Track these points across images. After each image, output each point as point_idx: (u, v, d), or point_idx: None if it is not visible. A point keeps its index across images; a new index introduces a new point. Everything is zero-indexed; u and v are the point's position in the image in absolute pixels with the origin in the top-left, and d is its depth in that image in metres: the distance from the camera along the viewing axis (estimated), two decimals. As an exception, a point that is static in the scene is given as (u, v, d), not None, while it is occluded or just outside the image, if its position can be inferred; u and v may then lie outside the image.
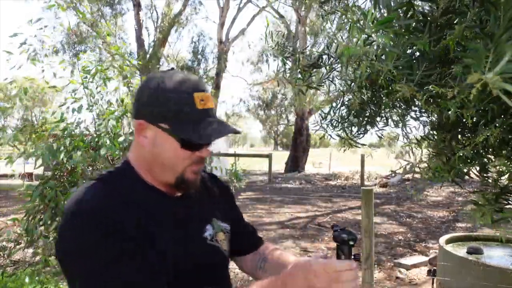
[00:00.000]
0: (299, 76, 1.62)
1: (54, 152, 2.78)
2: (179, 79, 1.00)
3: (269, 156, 15.27)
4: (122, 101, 3.19)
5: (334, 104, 1.60)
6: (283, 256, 1.25)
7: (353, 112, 1.53)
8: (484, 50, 0.59)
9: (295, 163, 18.47)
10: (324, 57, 1.58)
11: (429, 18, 1.02)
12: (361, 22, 0.85)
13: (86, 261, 0.87)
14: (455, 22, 1.03)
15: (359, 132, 1.62)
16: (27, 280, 3.12)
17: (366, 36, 0.87)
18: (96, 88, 3.18)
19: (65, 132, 2.88)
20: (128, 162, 1.08)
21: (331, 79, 1.61)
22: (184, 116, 0.98)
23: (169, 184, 1.04)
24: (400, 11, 1.01)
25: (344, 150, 1.71)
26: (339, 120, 1.58)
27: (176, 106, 0.98)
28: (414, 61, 1.00)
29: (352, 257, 0.95)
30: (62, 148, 2.84)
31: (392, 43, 1.00)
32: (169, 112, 0.98)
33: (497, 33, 0.75)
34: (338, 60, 1.53)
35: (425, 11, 1.14)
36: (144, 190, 1.03)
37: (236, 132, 1.02)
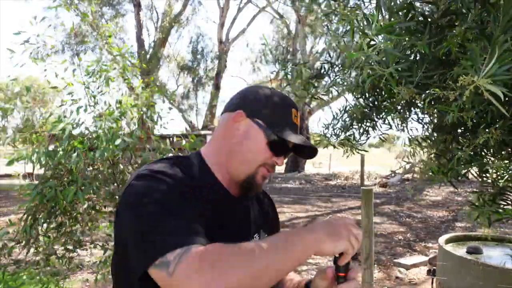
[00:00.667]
0: (302, 88, 1.62)
1: (52, 155, 2.79)
2: (284, 94, 1.14)
3: (269, 156, 15.25)
4: (120, 102, 3.19)
5: (337, 112, 1.60)
6: (291, 277, 1.24)
7: (356, 119, 1.53)
8: (479, 51, 0.59)
9: (295, 163, 18.48)
10: (327, 66, 1.58)
11: (429, 20, 1.03)
12: (364, 26, 0.86)
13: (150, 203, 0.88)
14: (455, 23, 1.04)
15: (361, 138, 1.63)
16: (25, 278, 3.13)
17: (369, 40, 0.88)
18: (98, 87, 3.18)
19: (64, 133, 2.88)
20: (200, 155, 1.12)
21: (335, 88, 1.61)
22: (280, 121, 1.07)
23: (238, 180, 1.08)
24: (401, 14, 1.01)
25: (347, 156, 1.71)
26: (342, 129, 1.59)
27: (277, 110, 1.08)
28: (414, 63, 1.01)
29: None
30: (60, 149, 2.84)
31: (393, 46, 1.01)
32: (270, 113, 1.07)
33: (495, 34, 0.75)
34: (341, 68, 1.54)
35: (426, 12, 1.14)
36: (209, 182, 1.07)
37: (315, 149, 1.11)
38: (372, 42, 0.90)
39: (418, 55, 1.12)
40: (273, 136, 1.04)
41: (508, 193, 1.24)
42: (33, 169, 2.92)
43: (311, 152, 1.12)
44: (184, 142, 3.49)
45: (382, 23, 0.87)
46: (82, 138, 2.90)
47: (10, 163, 2.84)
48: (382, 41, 0.94)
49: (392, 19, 0.96)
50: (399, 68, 0.95)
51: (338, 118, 1.58)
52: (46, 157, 2.79)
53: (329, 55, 1.60)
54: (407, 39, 1.00)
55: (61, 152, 2.81)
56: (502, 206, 1.24)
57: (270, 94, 1.10)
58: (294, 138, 1.04)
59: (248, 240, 1.09)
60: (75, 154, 2.77)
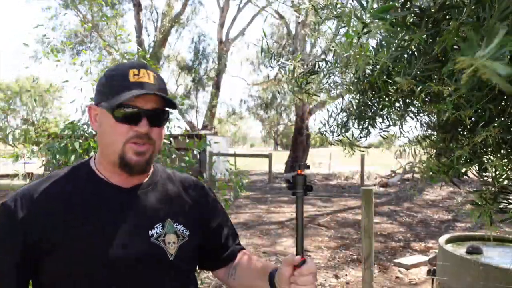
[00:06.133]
0: (296, 84, 1.62)
1: (66, 152, 2.78)
2: (123, 63, 1.09)
3: (269, 156, 15.27)
4: None
5: (334, 110, 1.61)
6: (252, 261, 1.24)
7: (352, 116, 1.53)
8: (476, 37, 0.59)
9: (295, 163, 18.46)
10: (322, 63, 1.58)
11: (426, 13, 1.03)
12: (359, 12, 0.87)
13: None
14: (451, 17, 1.04)
15: (361, 136, 1.63)
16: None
17: (364, 25, 0.88)
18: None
19: (75, 132, 2.88)
20: (89, 159, 1.14)
21: (330, 84, 1.62)
22: (116, 89, 1.01)
23: (115, 166, 1.05)
24: (398, 4, 1.01)
25: (350, 155, 1.71)
26: (339, 126, 1.59)
27: (110, 82, 1.03)
28: (412, 55, 1.01)
29: (304, 187, 1.02)
30: (70, 148, 2.84)
31: (389, 34, 1.01)
32: (108, 89, 1.03)
33: (490, 22, 0.75)
34: (335, 65, 1.54)
35: (422, 6, 1.14)
36: (88, 182, 1.08)
37: (164, 98, 1.02)
38: (367, 28, 0.91)
39: (414, 49, 1.12)
40: (113, 107, 1.00)
41: (509, 191, 1.24)
42: (43, 163, 2.90)
43: (164, 103, 1.04)
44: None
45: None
46: (92, 138, 2.90)
47: (15, 159, 2.84)
48: (379, 27, 0.94)
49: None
50: (397, 59, 0.95)
51: (335, 116, 1.59)
52: (61, 151, 2.77)
53: (325, 54, 1.60)
54: (404, 32, 0.99)
55: (73, 153, 2.79)
56: (504, 205, 1.24)
57: (111, 69, 1.06)
58: (125, 96, 0.98)
59: (145, 230, 1.06)
60: (91, 153, 2.77)
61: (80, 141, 2.84)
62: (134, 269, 1.02)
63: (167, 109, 1.07)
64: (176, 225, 1.11)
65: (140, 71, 1.03)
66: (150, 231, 1.06)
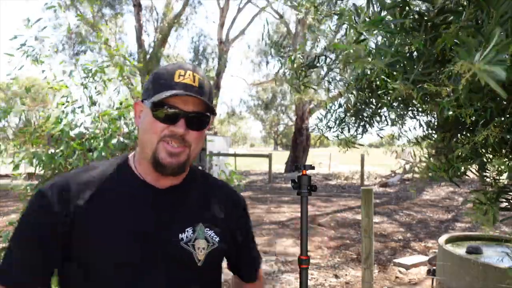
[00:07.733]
0: (295, 75, 1.62)
1: (52, 157, 2.78)
2: (173, 63, 1.07)
3: (269, 156, 15.28)
4: (121, 103, 3.16)
5: (331, 105, 1.61)
6: None
7: (349, 113, 1.54)
8: (474, 42, 0.59)
9: (295, 163, 18.50)
10: (322, 58, 1.58)
11: (424, 18, 1.03)
12: (354, 19, 0.87)
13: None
14: (450, 21, 1.04)
15: (357, 133, 1.63)
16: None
17: (359, 33, 0.88)
18: (95, 88, 3.17)
19: (63, 134, 2.86)
20: (126, 156, 1.13)
21: (329, 80, 1.62)
22: (159, 88, 1.01)
23: (150, 164, 1.03)
24: (396, 11, 1.02)
25: (345, 151, 1.70)
26: (336, 122, 1.59)
27: (157, 80, 1.02)
28: (411, 60, 1.01)
29: (309, 187, 1.05)
30: (59, 150, 2.83)
31: (386, 42, 1.01)
32: (152, 86, 1.03)
33: (489, 27, 0.75)
34: (335, 61, 1.54)
35: (421, 10, 1.15)
36: (124, 179, 1.06)
37: (202, 101, 1.00)
38: (362, 37, 0.91)
39: (415, 52, 1.13)
40: (153, 105, 1.00)
41: (510, 191, 1.24)
42: (35, 170, 2.90)
43: (206, 107, 1.02)
44: None
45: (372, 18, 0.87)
46: (80, 140, 2.89)
47: (15, 168, 2.83)
48: (373, 35, 0.94)
49: (384, 14, 0.96)
50: (394, 65, 0.96)
51: (332, 111, 1.59)
52: (47, 159, 2.78)
53: (326, 49, 1.60)
54: (402, 35, 1.00)
55: (60, 155, 2.80)
56: (506, 204, 1.25)
57: (161, 68, 1.06)
58: (163, 94, 0.97)
59: (176, 233, 1.04)
60: (75, 156, 2.77)
61: (66, 143, 2.83)
62: (159, 272, 1.00)
63: (208, 114, 1.05)
64: (207, 230, 1.08)
65: (186, 72, 1.01)
66: (180, 235, 1.04)
